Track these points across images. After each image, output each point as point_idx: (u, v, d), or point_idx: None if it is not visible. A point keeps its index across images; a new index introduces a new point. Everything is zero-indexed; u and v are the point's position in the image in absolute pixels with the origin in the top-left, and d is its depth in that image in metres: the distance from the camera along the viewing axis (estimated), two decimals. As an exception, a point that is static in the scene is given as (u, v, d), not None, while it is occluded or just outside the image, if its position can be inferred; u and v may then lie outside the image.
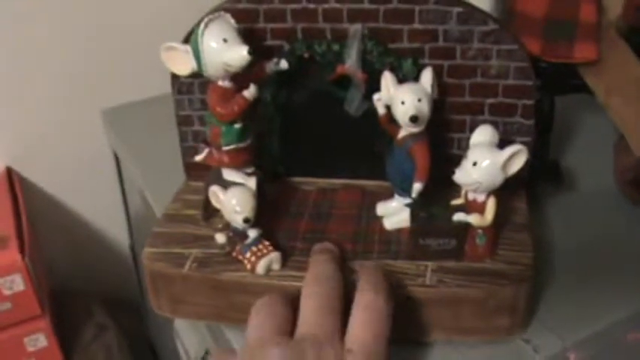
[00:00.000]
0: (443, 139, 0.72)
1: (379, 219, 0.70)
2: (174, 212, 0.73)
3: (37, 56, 1.11)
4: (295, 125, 0.74)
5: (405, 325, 0.63)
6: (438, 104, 0.67)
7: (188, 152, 0.77)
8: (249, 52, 0.62)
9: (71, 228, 1.27)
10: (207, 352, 0.86)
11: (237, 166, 0.68)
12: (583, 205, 0.80)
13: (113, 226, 1.30)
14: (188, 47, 0.64)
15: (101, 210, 1.28)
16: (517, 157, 0.61)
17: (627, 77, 0.72)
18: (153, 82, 1.07)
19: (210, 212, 0.70)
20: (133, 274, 1.33)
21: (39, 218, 1.20)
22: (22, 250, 1.01)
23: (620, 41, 0.73)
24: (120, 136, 1.03)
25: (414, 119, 0.62)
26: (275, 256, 0.63)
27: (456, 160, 0.71)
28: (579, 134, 0.90)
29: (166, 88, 0.96)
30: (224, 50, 0.62)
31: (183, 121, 0.76)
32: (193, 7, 1.05)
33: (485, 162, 0.61)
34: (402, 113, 0.63)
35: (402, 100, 0.63)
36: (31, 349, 1.06)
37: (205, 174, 0.76)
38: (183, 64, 0.65)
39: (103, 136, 1.13)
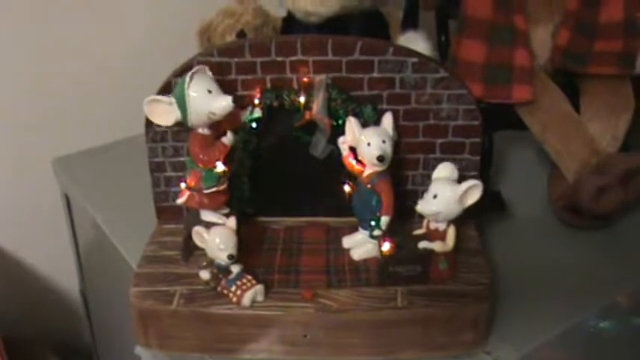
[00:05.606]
0: (398, 176, 0.78)
1: (346, 251, 0.76)
2: (153, 254, 0.77)
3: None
4: (264, 168, 0.79)
5: (381, 345, 0.69)
6: (395, 145, 0.73)
7: (160, 197, 0.81)
8: (233, 102, 0.67)
9: (18, 275, 1.27)
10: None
11: (215, 208, 0.74)
12: (523, 230, 0.88)
13: (62, 272, 1.31)
14: (172, 99, 0.69)
15: (49, 256, 1.28)
16: (473, 191, 0.69)
17: (559, 114, 0.81)
18: (99, 130, 1.12)
19: (190, 252, 0.75)
20: (84, 320, 1.34)
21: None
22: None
23: (550, 83, 0.82)
24: (76, 182, 1.05)
25: (380, 159, 0.69)
26: (259, 288, 0.69)
27: (411, 195, 0.78)
28: (513, 167, 0.98)
29: (113, 136, 1.04)
30: (209, 100, 0.68)
31: (156, 168, 0.80)
32: (142, 57, 1.12)
33: (444, 194, 0.69)
34: (368, 154, 0.70)
35: (368, 142, 0.70)
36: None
37: (176, 217, 0.81)
38: (166, 114, 0.69)
39: (50, 183, 1.14)
